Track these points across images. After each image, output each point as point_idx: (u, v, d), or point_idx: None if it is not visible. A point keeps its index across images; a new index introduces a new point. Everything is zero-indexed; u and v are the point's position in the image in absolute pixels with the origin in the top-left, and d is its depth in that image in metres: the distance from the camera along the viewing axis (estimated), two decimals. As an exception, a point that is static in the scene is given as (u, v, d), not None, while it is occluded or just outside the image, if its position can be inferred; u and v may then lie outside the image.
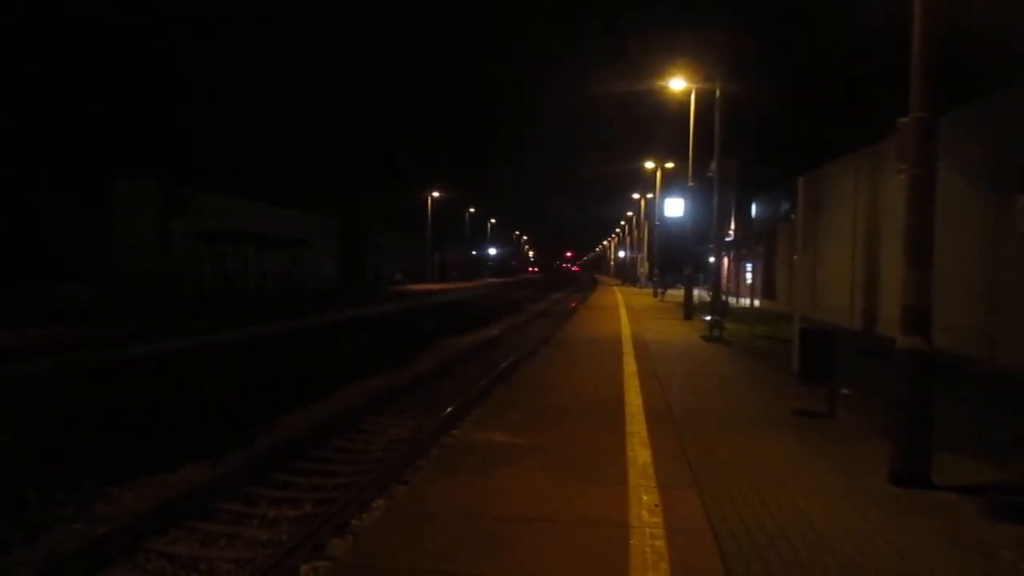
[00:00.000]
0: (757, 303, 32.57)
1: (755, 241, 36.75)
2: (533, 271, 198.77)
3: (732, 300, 33.22)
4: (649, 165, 49.00)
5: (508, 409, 9.03)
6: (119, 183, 35.36)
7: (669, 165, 46.89)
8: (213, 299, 35.47)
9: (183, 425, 9.95)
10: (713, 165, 21.99)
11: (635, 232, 78.05)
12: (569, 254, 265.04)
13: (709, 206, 23.21)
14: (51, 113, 35.76)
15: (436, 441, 9.26)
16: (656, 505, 5.47)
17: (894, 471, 6.07)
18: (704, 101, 25.09)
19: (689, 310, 25.93)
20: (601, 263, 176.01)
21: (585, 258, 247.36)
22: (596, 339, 17.86)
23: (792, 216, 27.88)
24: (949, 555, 4.65)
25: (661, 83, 26.07)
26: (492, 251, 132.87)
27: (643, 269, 68.58)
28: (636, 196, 68.98)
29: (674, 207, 47.72)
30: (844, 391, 9.44)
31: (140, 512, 6.44)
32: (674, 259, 49.62)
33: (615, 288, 66.33)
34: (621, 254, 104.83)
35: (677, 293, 41.53)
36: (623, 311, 29.55)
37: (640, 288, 61.89)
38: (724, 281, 31.92)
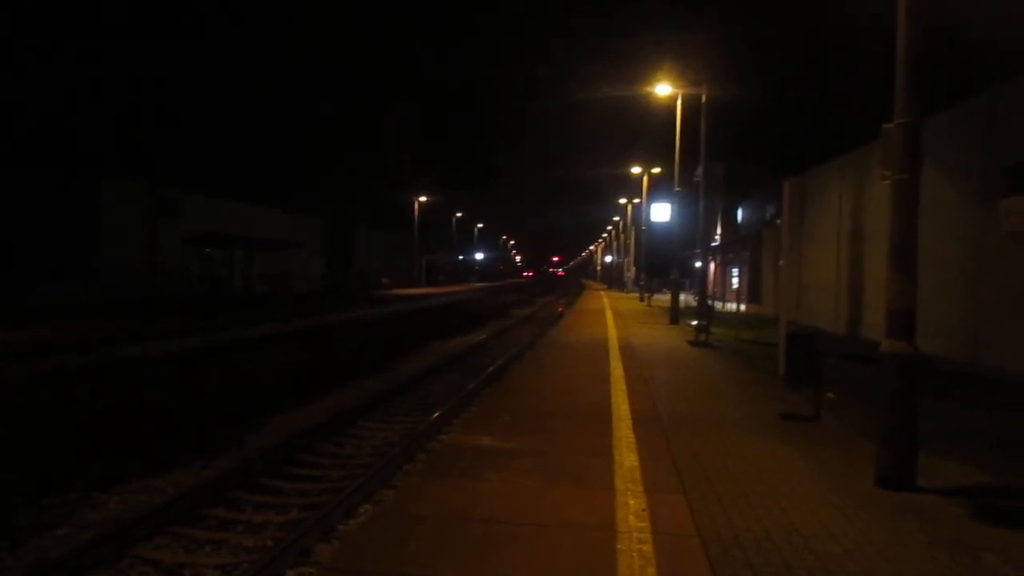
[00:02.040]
0: (743, 307, 32.71)
1: (741, 245, 36.91)
2: (529, 275, 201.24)
3: (718, 304, 33.36)
4: (636, 170, 49.19)
5: (495, 413, 9.02)
6: (108, 185, 35.20)
7: (656, 170, 47.07)
8: (201, 302, 35.32)
9: (170, 428, 9.88)
10: (699, 170, 22.09)
11: (622, 237, 78.25)
12: (556, 259, 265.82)
13: (695, 211, 23.30)
14: (42, 115, 35.61)
15: (424, 446, 9.23)
16: (643, 509, 5.48)
17: (880, 474, 6.10)
18: (691, 106, 25.18)
19: (675, 314, 25.99)
20: (588, 268, 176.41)
21: (572, 263, 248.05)
22: (583, 343, 17.88)
23: (778, 221, 28.02)
24: (935, 558, 4.68)
25: (648, 89, 26.13)
26: (479, 255, 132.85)
27: (630, 274, 68.77)
28: (623, 201, 69.16)
29: (660, 212, 47.93)
30: (830, 395, 9.49)
31: (126, 518, 6.39)
32: (661, 264, 49.76)
33: (602, 293, 66.42)
34: (608, 259, 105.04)
35: (664, 298, 41.65)
36: (609, 316, 29.59)
37: (627, 293, 62.01)
38: (710, 286, 32.03)
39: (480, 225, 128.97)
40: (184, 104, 47.44)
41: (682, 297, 29.93)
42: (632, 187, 56.51)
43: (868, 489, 6.04)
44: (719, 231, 47.63)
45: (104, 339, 18.71)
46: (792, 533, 5.05)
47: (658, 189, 48.14)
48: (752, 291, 33.99)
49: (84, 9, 39.01)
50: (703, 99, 22.14)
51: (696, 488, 6.01)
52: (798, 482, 6.27)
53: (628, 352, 16.06)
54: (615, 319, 27.37)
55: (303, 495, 7.50)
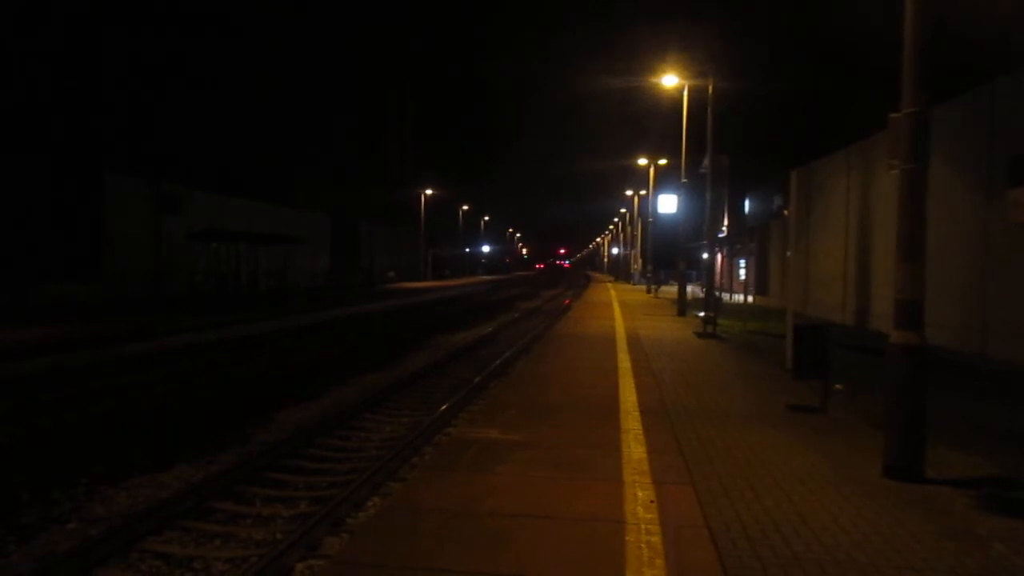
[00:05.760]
0: (750, 299, 32.65)
1: (748, 237, 36.78)
2: (541, 267, 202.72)
3: (725, 296, 33.28)
4: (642, 162, 49.09)
5: (502, 406, 9.03)
6: (111, 181, 35.23)
7: (662, 162, 46.99)
8: (206, 298, 35.39)
9: (177, 423, 9.92)
10: (706, 161, 22.01)
11: (628, 229, 78.13)
12: (562, 251, 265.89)
13: (702, 202, 23.22)
14: (45, 110, 35.68)
15: (431, 439, 9.25)
16: (651, 501, 5.48)
17: (888, 465, 6.10)
18: (696, 99, 25.11)
19: (682, 306, 25.97)
20: (594, 260, 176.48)
21: (579, 255, 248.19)
22: (590, 336, 17.88)
23: (785, 212, 27.91)
24: (943, 548, 4.67)
25: (654, 80, 26.05)
26: (485, 248, 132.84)
27: (636, 266, 68.71)
28: (629, 193, 68.98)
29: (667, 204, 47.70)
30: (837, 386, 9.47)
31: (134, 512, 6.42)
32: (667, 255, 49.61)
33: (608, 285, 66.39)
34: (615, 251, 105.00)
35: (671, 289, 41.58)
36: (617, 308, 29.57)
37: (634, 285, 61.99)
38: (717, 277, 31.93)
39: (486, 218, 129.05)
40: (186, 100, 47.40)
41: (689, 289, 29.89)
42: (639, 179, 56.45)
43: (876, 480, 6.04)
44: (726, 222, 47.42)
45: (108, 337, 18.78)
46: (800, 524, 5.04)
47: (665, 181, 47.98)
48: (759, 282, 33.94)
49: (86, 3, 38.99)
50: (709, 90, 22.06)
51: (704, 480, 6.01)
52: (806, 473, 6.26)
53: (635, 344, 16.05)
54: (622, 311, 27.35)
55: (311, 488, 7.52)
